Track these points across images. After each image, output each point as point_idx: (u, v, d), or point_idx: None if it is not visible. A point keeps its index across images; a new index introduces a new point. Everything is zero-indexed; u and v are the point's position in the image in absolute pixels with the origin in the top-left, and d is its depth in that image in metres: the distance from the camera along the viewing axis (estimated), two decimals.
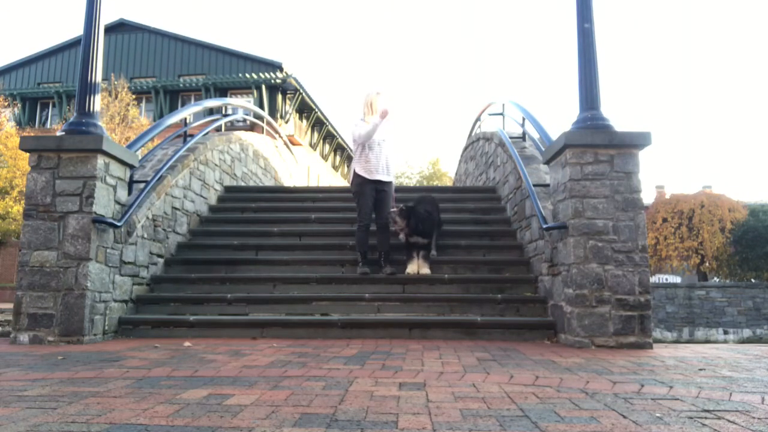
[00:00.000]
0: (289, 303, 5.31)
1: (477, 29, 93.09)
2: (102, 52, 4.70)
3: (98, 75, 4.65)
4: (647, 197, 26.40)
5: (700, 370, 3.08)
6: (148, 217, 5.45)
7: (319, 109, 28.86)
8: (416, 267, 5.61)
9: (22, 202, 15.43)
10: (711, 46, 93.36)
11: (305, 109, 28.42)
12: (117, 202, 4.77)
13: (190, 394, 2.35)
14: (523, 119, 6.64)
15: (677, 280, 26.66)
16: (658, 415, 2.01)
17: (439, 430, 1.80)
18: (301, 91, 26.33)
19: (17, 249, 5.16)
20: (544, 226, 4.69)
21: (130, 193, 5.06)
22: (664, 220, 23.47)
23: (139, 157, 5.30)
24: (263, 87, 25.47)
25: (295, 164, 12.69)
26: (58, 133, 4.62)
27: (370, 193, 5.63)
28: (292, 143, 16.13)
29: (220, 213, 7.39)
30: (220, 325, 4.90)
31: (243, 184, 8.79)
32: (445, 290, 5.46)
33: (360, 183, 5.66)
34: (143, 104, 25.90)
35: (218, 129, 8.68)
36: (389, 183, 5.79)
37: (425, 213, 5.67)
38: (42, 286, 4.29)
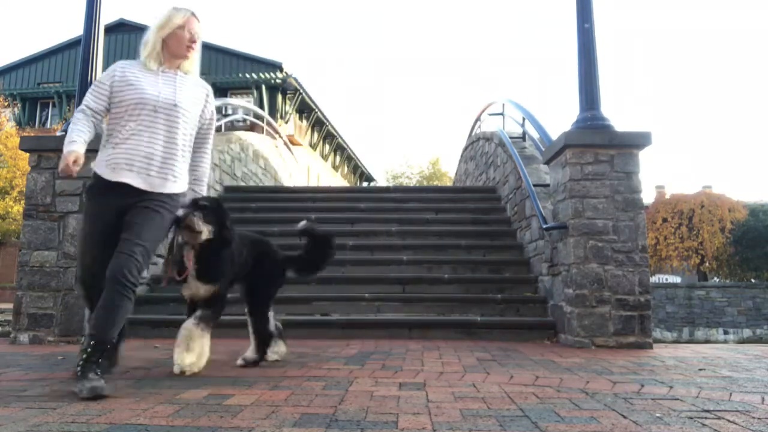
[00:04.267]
0: (289, 303, 5.31)
1: (477, 29, 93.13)
2: (102, 52, 4.70)
3: (98, 75, 4.65)
4: (647, 197, 26.37)
5: (700, 370, 3.07)
6: None
7: (319, 109, 28.85)
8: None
9: (22, 202, 15.42)
10: (711, 46, 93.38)
11: (305, 109, 28.41)
12: None
13: (190, 394, 2.35)
14: (523, 119, 6.65)
15: (677, 280, 26.64)
16: (658, 415, 2.01)
17: (439, 430, 1.80)
18: (301, 91, 26.33)
19: (17, 249, 5.15)
20: (544, 226, 4.69)
21: None
22: (664, 220, 23.47)
23: None
24: (263, 87, 25.46)
25: (295, 164, 12.70)
26: (58, 133, 4.62)
27: (101, 212, 2.69)
28: (292, 143, 16.13)
29: None
30: (220, 324, 4.87)
31: (243, 184, 8.79)
32: (445, 290, 5.46)
33: (91, 191, 2.77)
34: None
35: (218, 129, 8.68)
36: (169, 196, 2.72)
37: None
38: (42, 286, 4.29)
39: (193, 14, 2.87)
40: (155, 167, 2.67)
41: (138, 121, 2.69)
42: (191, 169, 2.92)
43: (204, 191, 2.98)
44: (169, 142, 2.72)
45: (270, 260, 3.23)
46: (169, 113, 2.72)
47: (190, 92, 2.84)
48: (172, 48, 2.84)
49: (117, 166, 2.65)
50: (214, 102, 3.08)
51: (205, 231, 2.71)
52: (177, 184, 2.76)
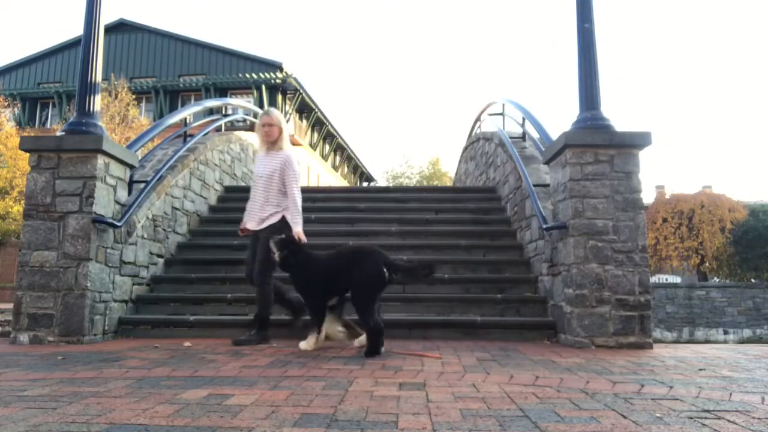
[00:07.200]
0: None
1: (477, 29, 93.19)
2: (102, 52, 4.70)
3: (98, 75, 4.65)
4: (647, 197, 26.39)
5: (700, 370, 3.08)
6: (148, 217, 5.44)
7: (319, 110, 28.87)
8: None
9: (22, 202, 15.43)
10: (711, 46, 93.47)
11: (305, 109, 28.43)
12: (117, 202, 4.76)
13: (190, 394, 2.35)
14: (523, 119, 6.65)
15: (677, 280, 26.67)
16: (658, 415, 2.01)
17: (439, 430, 1.80)
18: (301, 91, 26.34)
19: (17, 249, 5.16)
20: (544, 226, 4.69)
21: (130, 193, 5.06)
22: (664, 220, 23.49)
23: (139, 157, 5.30)
24: (263, 87, 25.48)
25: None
26: (58, 133, 4.62)
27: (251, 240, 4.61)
28: (292, 143, 16.12)
29: (220, 213, 7.39)
30: (220, 325, 4.90)
31: (243, 184, 8.78)
32: (445, 290, 5.46)
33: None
34: (143, 104, 25.90)
35: (218, 129, 8.68)
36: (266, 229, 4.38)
37: None
38: (42, 286, 4.29)
39: (266, 113, 4.59)
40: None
41: (253, 188, 4.54)
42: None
43: (289, 215, 4.33)
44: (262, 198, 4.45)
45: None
46: (260, 181, 4.47)
47: (271, 164, 4.45)
48: (260, 139, 4.57)
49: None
50: (292, 164, 4.45)
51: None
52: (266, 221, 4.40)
